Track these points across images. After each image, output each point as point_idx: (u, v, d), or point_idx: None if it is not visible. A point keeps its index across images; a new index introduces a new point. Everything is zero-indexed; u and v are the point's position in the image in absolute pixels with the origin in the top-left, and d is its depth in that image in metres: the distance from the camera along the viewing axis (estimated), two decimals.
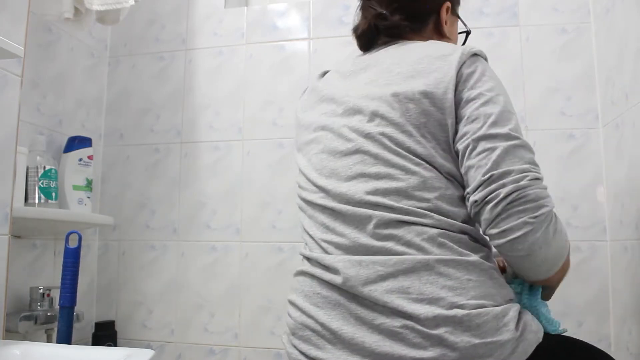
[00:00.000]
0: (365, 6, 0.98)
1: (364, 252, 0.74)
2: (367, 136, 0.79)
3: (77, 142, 1.48)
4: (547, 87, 1.45)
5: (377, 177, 0.77)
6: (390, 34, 0.93)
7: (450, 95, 0.78)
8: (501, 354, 0.68)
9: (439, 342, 0.67)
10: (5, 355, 0.79)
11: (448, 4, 0.98)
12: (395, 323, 0.69)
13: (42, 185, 1.31)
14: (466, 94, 0.79)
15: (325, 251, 0.79)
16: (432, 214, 0.74)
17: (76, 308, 1.20)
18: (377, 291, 0.71)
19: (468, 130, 0.76)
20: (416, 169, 0.76)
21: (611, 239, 1.35)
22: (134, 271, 1.64)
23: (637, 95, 1.17)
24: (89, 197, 1.49)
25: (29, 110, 1.39)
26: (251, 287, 1.54)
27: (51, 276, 1.43)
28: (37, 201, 1.30)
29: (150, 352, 0.80)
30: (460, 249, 0.73)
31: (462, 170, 0.77)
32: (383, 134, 0.78)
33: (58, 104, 1.51)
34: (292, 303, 0.82)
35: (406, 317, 0.69)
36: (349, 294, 0.73)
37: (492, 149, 0.73)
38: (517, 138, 0.74)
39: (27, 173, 1.29)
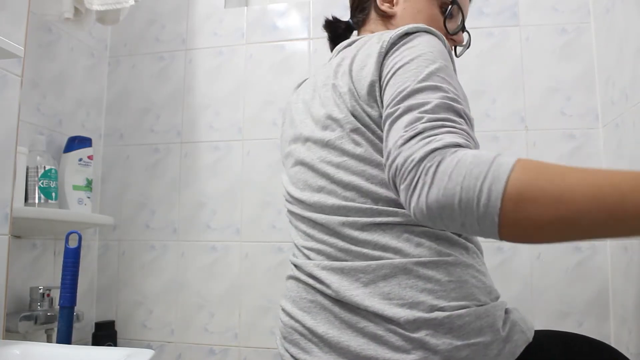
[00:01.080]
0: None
1: (343, 258, 0.74)
2: (327, 145, 0.79)
3: (77, 142, 1.48)
4: (547, 87, 1.45)
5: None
6: (339, 39, 0.93)
7: None
8: (485, 356, 0.66)
9: (421, 345, 0.66)
10: (5, 355, 0.79)
11: None
12: (378, 326, 0.69)
13: (42, 185, 1.31)
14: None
15: (308, 257, 0.80)
16: (403, 210, 0.71)
17: (76, 308, 1.20)
18: (359, 296, 0.70)
19: None
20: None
21: (611, 239, 1.35)
22: (134, 271, 1.64)
23: (637, 95, 1.17)
24: (89, 197, 1.49)
25: (29, 110, 1.39)
26: (251, 287, 1.54)
27: (51, 276, 1.43)
28: (37, 201, 1.30)
29: (150, 352, 0.80)
30: (439, 248, 0.71)
31: None
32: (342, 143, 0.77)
33: (58, 104, 1.51)
34: (282, 308, 0.83)
35: (388, 320, 0.68)
36: (333, 299, 0.73)
37: None
38: None
39: (27, 173, 1.29)
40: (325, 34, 1.63)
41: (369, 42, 0.78)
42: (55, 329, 1.21)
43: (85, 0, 1.32)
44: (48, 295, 1.33)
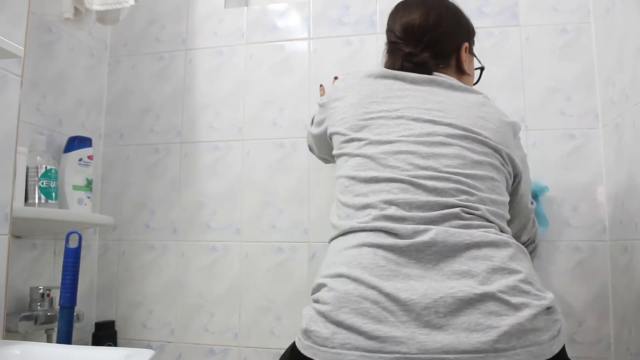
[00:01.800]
0: (392, 49, 1.06)
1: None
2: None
3: (77, 142, 1.48)
4: (547, 87, 1.45)
5: None
6: (420, 70, 1.00)
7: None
8: None
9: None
10: (5, 355, 0.80)
11: (466, 44, 1.09)
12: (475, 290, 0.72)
13: (42, 185, 1.31)
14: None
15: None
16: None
17: (76, 308, 1.20)
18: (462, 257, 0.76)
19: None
20: None
21: (611, 239, 1.35)
22: (134, 271, 1.64)
23: (637, 95, 1.17)
24: (89, 197, 1.49)
25: (29, 110, 1.39)
26: (251, 287, 1.54)
27: (51, 276, 1.43)
28: (37, 201, 1.30)
29: (150, 352, 0.80)
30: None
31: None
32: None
33: (58, 104, 1.51)
34: (344, 275, 0.78)
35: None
36: (424, 261, 0.76)
37: None
38: None
39: (27, 173, 1.29)
40: (325, 35, 1.64)
41: (496, 108, 1.01)
42: (55, 329, 1.21)
43: (85, 0, 1.32)
44: (48, 295, 1.33)
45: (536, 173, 1.42)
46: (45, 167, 1.32)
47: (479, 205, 0.82)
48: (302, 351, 0.75)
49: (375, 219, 0.81)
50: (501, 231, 0.84)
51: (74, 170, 1.46)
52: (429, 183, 0.82)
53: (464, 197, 0.82)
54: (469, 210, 0.81)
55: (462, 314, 0.70)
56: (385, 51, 1.10)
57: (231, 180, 1.60)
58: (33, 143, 1.34)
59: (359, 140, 0.91)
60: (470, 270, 0.74)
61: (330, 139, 1.00)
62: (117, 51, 1.75)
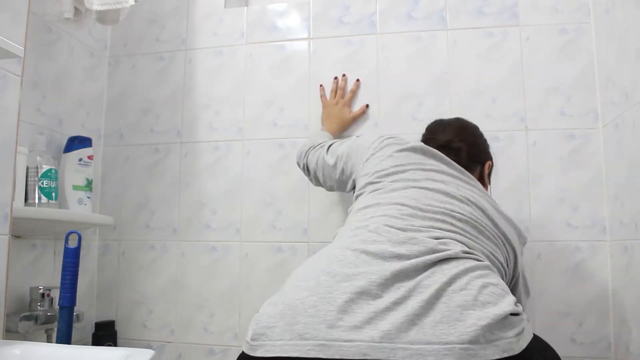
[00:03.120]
0: (428, 139, 1.21)
1: None
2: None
3: (77, 142, 1.48)
4: (547, 87, 1.45)
5: None
6: (456, 157, 1.12)
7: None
8: None
9: None
10: (5, 355, 0.80)
11: (490, 162, 1.22)
12: None
13: (42, 185, 1.31)
14: None
15: None
16: None
17: (76, 308, 1.20)
18: None
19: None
20: None
21: (611, 239, 1.35)
22: (134, 271, 1.64)
23: (637, 95, 1.17)
24: (89, 197, 1.49)
25: (29, 110, 1.39)
26: (251, 287, 1.54)
27: (51, 276, 1.43)
28: (37, 201, 1.30)
29: (150, 352, 0.80)
30: None
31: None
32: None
33: (58, 104, 1.51)
34: None
35: None
36: None
37: None
38: None
39: (27, 173, 1.29)
40: (325, 35, 1.66)
41: (515, 227, 1.07)
42: (55, 329, 1.21)
43: (85, 0, 1.32)
44: (48, 295, 1.32)
45: (536, 173, 1.43)
46: (45, 167, 1.32)
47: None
48: None
49: None
50: None
51: (74, 170, 1.46)
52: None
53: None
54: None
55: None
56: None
57: (231, 180, 1.60)
58: (33, 143, 1.34)
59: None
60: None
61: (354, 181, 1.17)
62: (117, 51, 1.75)
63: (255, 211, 1.57)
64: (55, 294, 1.30)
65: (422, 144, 1.12)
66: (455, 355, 0.66)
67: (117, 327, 1.60)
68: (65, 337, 1.15)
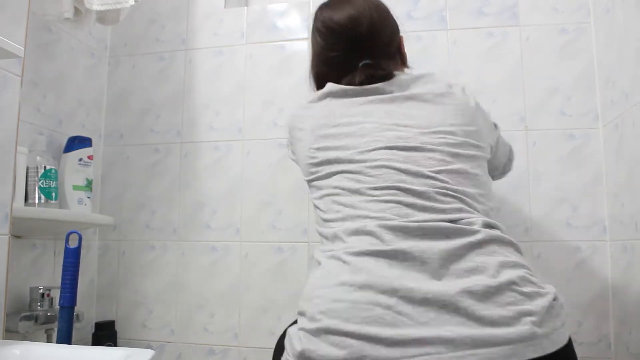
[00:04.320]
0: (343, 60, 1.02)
1: None
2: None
3: (77, 142, 1.48)
4: (547, 87, 1.45)
5: None
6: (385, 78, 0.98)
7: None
8: None
9: None
10: (5, 355, 0.79)
11: (401, 36, 1.10)
12: None
13: (42, 185, 1.31)
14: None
15: None
16: None
17: (76, 308, 1.20)
18: None
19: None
20: None
21: (611, 239, 1.35)
22: (134, 271, 1.64)
23: (637, 95, 1.17)
24: (89, 197, 1.49)
25: (29, 110, 1.39)
26: (251, 287, 1.54)
27: (51, 276, 1.43)
28: (37, 201, 1.30)
29: (150, 352, 0.80)
30: None
31: None
32: None
33: (58, 104, 1.51)
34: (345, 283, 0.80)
35: None
36: None
37: None
38: None
39: (27, 173, 1.29)
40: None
41: (457, 89, 0.97)
42: (55, 329, 1.21)
43: (85, 0, 1.32)
44: (48, 295, 1.33)
45: (536, 173, 1.43)
46: (45, 167, 1.32)
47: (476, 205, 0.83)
48: None
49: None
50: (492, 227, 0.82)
51: (74, 170, 1.46)
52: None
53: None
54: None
55: (481, 309, 0.67)
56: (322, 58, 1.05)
57: (231, 180, 1.60)
58: (33, 143, 1.34)
59: None
60: (477, 266, 0.72)
61: None
62: (117, 51, 1.75)
63: (255, 211, 1.57)
64: (55, 294, 1.30)
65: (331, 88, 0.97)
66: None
67: (117, 327, 1.60)
68: (65, 337, 1.14)
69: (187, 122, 1.66)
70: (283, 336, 0.85)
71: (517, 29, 1.49)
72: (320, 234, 0.87)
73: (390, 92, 0.95)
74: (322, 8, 1.06)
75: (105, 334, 1.56)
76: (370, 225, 0.78)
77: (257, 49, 1.64)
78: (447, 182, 0.83)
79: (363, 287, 0.71)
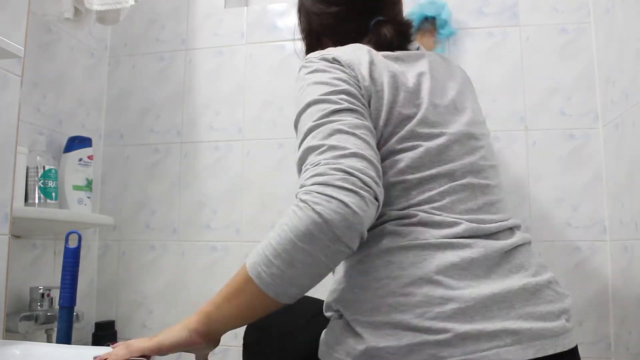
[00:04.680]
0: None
1: None
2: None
3: (77, 142, 1.48)
4: (547, 87, 1.45)
5: None
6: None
7: None
8: None
9: None
10: (5, 355, 0.80)
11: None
12: None
13: (42, 185, 1.31)
14: None
15: None
16: None
17: (76, 308, 1.20)
18: None
19: None
20: None
21: (611, 239, 1.35)
22: (134, 271, 1.64)
23: (637, 95, 1.17)
24: (89, 197, 1.49)
25: (29, 110, 1.39)
26: None
27: (51, 276, 1.43)
28: (37, 201, 1.30)
29: None
30: None
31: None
32: None
33: (58, 104, 1.51)
34: None
35: None
36: None
37: None
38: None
39: (27, 173, 1.29)
40: None
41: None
42: (55, 329, 1.21)
43: (85, 0, 1.32)
44: (48, 295, 1.32)
45: (536, 173, 1.43)
46: (45, 167, 1.32)
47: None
48: None
49: None
50: None
51: (74, 170, 1.46)
52: None
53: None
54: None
55: (530, 304, 0.70)
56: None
57: (231, 180, 1.60)
58: (33, 143, 1.34)
59: None
60: (523, 264, 0.74)
61: None
62: (117, 51, 1.75)
63: (255, 211, 1.57)
64: (55, 294, 1.30)
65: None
66: None
67: (117, 327, 1.60)
68: (65, 337, 1.14)
69: (187, 122, 1.66)
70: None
71: (517, 29, 1.48)
72: None
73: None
74: None
75: (105, 334, 1.56)
76: None
77: (257, 49, 1.64)
78: (491, 180, 0.82)
79: None
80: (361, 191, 0.64)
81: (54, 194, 1.33)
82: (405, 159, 0.75)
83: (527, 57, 1.47)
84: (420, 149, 0.75)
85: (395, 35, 0.89)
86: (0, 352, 0.80)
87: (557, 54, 1.45)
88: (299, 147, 0.72)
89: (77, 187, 1.46)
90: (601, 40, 1.39)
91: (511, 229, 0.78)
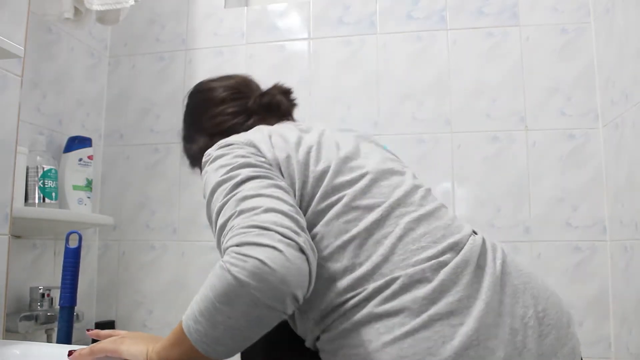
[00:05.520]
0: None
1: None
2: None
3: (77, 142, 1.48)
4: (547, 87, 1.45)
5: None
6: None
7: None
8: None
9: None
10: (5, 355, 0.79)
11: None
12: None
13: (42, 185, 1.30)
14: None
15: None
16: None
17: (76, 308, 1.20)
18: None
19: None
20: None
21: (611, 239, 1.35)
22: (134, 271, 1.64)
23: (637, 95, 1.17)
24: (89, 197, 1.49)
25: (29, 110, 1.39)
26: None
27: (51, 276, 1.43)
28: (37, 201, 1.30)
29: None
30: None
31: None
32: None
33: (58, 104, 1.51)
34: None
35: None
36: None
37: None
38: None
39: (27, 173, 1.29)
40: (325, 35, 1.64)
41: None
42: (55, 329, 1.21)
43: (85, 0, 1.32)
44: (48, 295, 1.32)
45: (536, 173, 1.43)
46: (45, 167, 1.31)
47: None
48: None
49: None
50: None
51: (74, 170, 1.46)
52: None
53: None
54: None
55: None
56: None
57: None
58: (33, 143, 1.34)
59: None
60: None
61: None
62: (117, 51, 1.75)
63: None
64: (55, 294, 1.30)
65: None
66: None
67: (117, 327, 1.60)
68: (65, 337, 1.14)
69: None
70: None
71: (517, 29, 1.48)
72: None
73: None
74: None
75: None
76: None
77: (257, 49, 1.64)
78: None
79: None
80: (279, 244, 0.57)
81: (54, 194, 1.33)
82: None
83: (527, 57, 1.47)
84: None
85: (282, 96, 0.99)
86: (0, 352, 0.80)
87: (557, 54, 1.45)
88: (214, 232, 0.69)
89: (77, 187, 1.46)
90: (601, 40, 1.39)
91: None
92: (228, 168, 0.71)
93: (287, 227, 0.60)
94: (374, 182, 0.73)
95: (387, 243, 0.67)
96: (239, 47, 1.66)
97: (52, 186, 1.33)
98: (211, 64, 1.67)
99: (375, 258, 0.66)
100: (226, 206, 0.66)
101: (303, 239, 0.60)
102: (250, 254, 0.57)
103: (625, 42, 1.23)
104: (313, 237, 0.69)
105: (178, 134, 1.66)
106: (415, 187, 0.75)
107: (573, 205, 1.39)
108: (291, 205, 0.65)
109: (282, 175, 0.73)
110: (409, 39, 1.55)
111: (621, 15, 1.26)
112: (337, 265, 0.67)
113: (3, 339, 0.99)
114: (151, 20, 1.74)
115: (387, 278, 0.65)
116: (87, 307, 1.59)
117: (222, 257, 0.64)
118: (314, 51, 1.60)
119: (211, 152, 0.78)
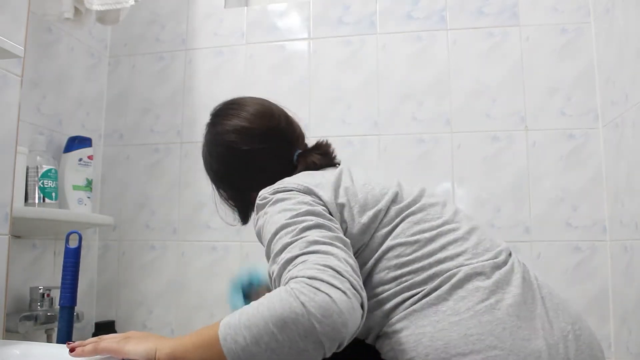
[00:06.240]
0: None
1: None
2: None
3: (77, 142, 1.48)
4: (547, 87, 1.45)
5: None
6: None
7: None
8: None
9: None
10: (5, 355, 0.79)
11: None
12: None
13: (42, 185, 1.30)
14: None
15: None
16: None
17: (76, 308, 1.20)
18: None
19: None
20: None
21: (611, 239, 1.35)
22: (134, 271, 1.64)
23: (637, 95, 1.17)
24: (89, 197, 1.49)
25: (29, 110, 1.39)
26: None
27: (51, 276, 1.43)
28: (37, 201, 1.30)
29: None
30: None
31: None
32: None
33: (58, 104, 1.51)
34: None
35: None
36: None
37: None
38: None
39: (27, 173, 1.29)
40: (325, 35, 1.64)
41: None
42: (55, 329, 1.21)
43: (85, 0, 1.32)
44: (48, 295, 1.32)
45: (536, 173, 1.43)
46: (45, 167, 1.31)
47: None
48: None
49: None
50: None
51: (74, 170, 1.46)
52: None
53: None
54: None
55: None
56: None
57: None
58: (33, 143, 1.34)
59: None
60: None
61: None
62: (117, 51, 1.75)
63: None
64: (55, 294, 1.30)
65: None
66: None
67: (117, 327, 1.60)
68: (65, 337, 1.14)
69: (187, 122, 1.66)
70: None
71: (517, 29, 1.49)
72: None
73: None
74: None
75: (105, 334, 1.55)
76: None
77: (257, 49, 1.64)
78: None
79: None
80: (349, 292, 0.60)
81: (53, 194, 1.33)
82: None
83: (527, 57, 1.47)
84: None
85: (322, 159, 0.98)
86: (0, 352, 0.80)
87: (557, 54, 1.45)
88: (274, 264, 0.69)
89: (77, 187, 1.46)
90: (601, 40, 1.39)
91: None
92: (294, 213, 0.73)
93: (356, 281, 0.63)
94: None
95: (449, 246, 0.77)
96: (239, 47, 1.66)
97: (52, 186, 1.33)
98: (211, 64, 1.67)
99: (440, 254, 0.76)
100: (295, 244, 0.68)
101: (365, 297, 0.64)
102: (322, 289, 0.59)
103: (625, 42, 1.23)
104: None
105: (178, 134, 1.67)
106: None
107: (573, 205, 1.39)
108: (355, 261, 0.68)
109: (340, 222, 0.78)
110: (409, 39, 1.55)
111: (621, 15, 1.26)
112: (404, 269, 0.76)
113: (3, 339, 0.99)
114: (151, 21, 1.74)
115: (452, 271, 0.74)
116: (87, 307, 1.59)
117: (279, 286, 0.66)
118: (314, 51, 1.60)
119: (266, 195, 0.82)
